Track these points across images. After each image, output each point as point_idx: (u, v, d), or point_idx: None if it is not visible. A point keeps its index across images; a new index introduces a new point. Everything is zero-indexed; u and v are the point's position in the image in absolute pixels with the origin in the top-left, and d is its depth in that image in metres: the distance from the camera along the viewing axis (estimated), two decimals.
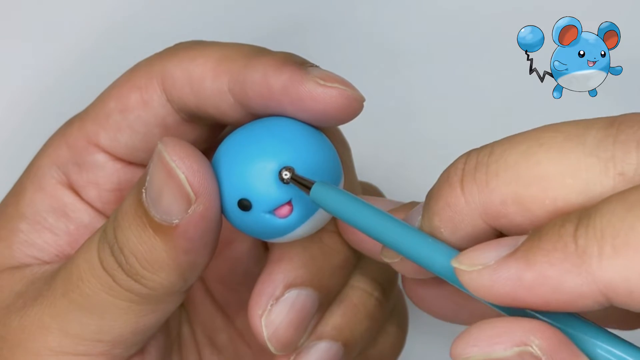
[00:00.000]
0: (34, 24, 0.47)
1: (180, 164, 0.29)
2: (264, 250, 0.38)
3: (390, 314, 0.37)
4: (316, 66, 0.32)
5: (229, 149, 0.31)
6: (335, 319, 0.34)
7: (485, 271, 0.25)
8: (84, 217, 0.35)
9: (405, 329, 0.38)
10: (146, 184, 0.30)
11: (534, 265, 0.24)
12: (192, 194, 0.29)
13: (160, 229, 0.30)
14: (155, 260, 0.30)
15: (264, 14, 0.47)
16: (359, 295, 0.35)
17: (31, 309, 0.32)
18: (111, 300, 0.31)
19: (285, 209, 0.31)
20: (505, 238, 0.26)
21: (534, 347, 0.24)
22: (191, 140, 0.35)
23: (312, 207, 0.31)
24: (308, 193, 0.30)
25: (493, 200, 0.26)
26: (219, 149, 0.32)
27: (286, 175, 0.30)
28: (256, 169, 0.30)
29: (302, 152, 0.31)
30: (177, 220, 0.30)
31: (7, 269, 0.34)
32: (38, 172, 0.35)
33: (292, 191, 0.30)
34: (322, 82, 0.31)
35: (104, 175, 0.35)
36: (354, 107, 0.31)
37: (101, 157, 0.35)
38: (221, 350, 0.38)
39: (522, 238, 0.25)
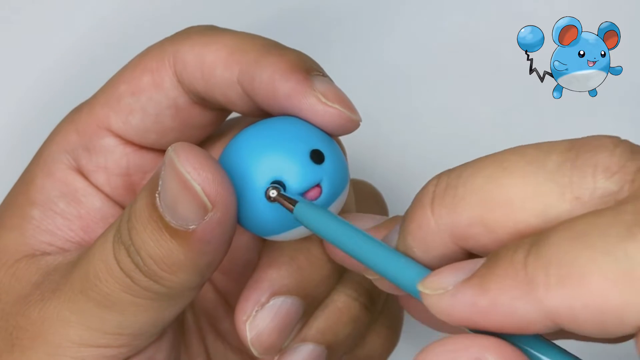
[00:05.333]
0: (46, 16, 0.47)
1: (195, 175, 0.29)
2: (262, 242, 0.38)
3: (380, 315, 0.37)
4: (323, 75, 0.32)
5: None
6: (320, 323, 0.35)
7: (445, 295, 0.26)
8: (95, 202, 0.35)
9: (398, 329, 0.39)
10: (159, 189, 0.30)
11: (487, 292, 0.25)
12: (208, 204, 0.29)
13: (177, 233, 0.30)
14: (174, 262, 0.30)
15: (266, 3, 0.47)
16: (343, 300, 0.35)
17: (50, 302, 0.32)
18: (130, 299, 0.31)
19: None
20: (466, 262, 0.27)
21: None
22: (201, 123, 0.35)
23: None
24: (292, 211, 0.30)
25: (460, 222, 0.27)
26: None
27: (273, 194, 0.30)
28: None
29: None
30: (193, 226, 0.30)
31: (22, 257, 0.34)
32: (48, 159, 0.36)
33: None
34: (323, 100, 0.31)
35: (113, 159, 0.35)
36: (349, 127, 0.32)
37: (111, 141, 0.35)
38: (224, 336, 0.38)
39: (481, 262, 0.26)
